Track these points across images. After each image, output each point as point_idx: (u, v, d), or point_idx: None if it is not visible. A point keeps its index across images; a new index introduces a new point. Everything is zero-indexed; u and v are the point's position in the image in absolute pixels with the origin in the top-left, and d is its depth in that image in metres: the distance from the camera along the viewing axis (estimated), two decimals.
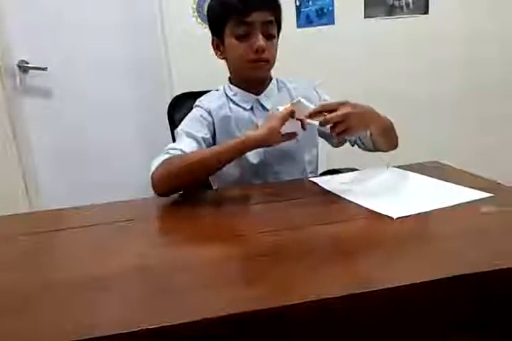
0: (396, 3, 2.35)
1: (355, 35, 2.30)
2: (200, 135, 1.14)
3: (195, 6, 2.22)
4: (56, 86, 2.15)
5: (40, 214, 1.16)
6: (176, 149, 1.09)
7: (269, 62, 1.16)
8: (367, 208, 0.87)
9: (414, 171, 1.10)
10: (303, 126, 0.98)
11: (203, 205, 1.03)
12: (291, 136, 1.00)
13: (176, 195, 1.06)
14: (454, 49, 2.38)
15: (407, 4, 2.36)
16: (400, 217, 0.80)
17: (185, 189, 1.05)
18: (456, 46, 2.38)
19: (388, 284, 0.58)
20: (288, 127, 0.99)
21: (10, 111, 2.01)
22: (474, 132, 2.45)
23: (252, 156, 1.17)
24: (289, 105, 1.00)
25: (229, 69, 1.23)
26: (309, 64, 2.17)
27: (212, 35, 1.19)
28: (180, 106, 1.45)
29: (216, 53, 1.21)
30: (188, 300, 0.58)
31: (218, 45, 1.19)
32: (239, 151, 1.02)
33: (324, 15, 2.33)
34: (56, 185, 2.18)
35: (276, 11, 1.15)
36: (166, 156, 1.06)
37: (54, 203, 2.14)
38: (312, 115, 0.96)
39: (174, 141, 1.30)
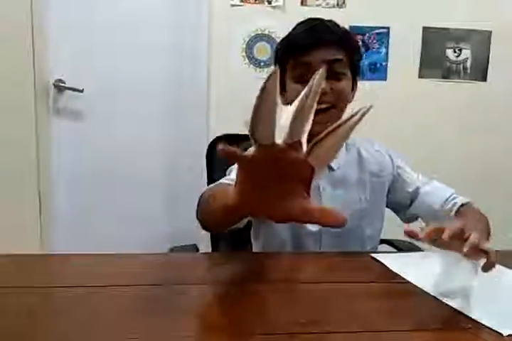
0: (453, 67, 2.26)
1: (407, 94, 2.20)
2: None
3: (244, 47, 2.15)
4: (90, 110, 2.03)
5: (51, 261, 0.93)
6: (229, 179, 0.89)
7: (332, 107, 0.94)
8: (460, 312, 0.67)
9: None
10: None
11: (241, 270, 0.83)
12: None
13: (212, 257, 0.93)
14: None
15: (465, 69, 2.27)
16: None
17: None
18: None
19: None
20: None
21: (37, 132, 1.89)
22: None
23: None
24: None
25: None
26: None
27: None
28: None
29: (280, 99, 1.06)
30: None
31: (282, 89, 1.00)
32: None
33: (377, 71, 2.25)
34: (70, 212, 2.03)
35: (345, 47, 0.96)
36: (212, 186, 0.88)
37: (66, 232, 2.00)
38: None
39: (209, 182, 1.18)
